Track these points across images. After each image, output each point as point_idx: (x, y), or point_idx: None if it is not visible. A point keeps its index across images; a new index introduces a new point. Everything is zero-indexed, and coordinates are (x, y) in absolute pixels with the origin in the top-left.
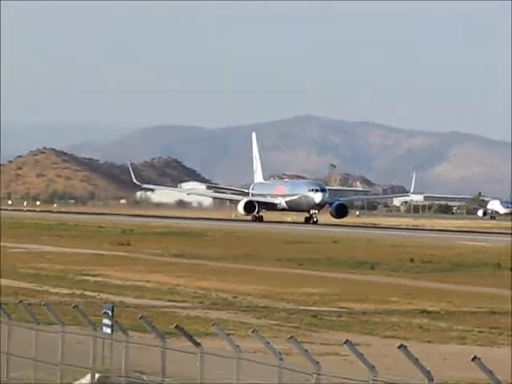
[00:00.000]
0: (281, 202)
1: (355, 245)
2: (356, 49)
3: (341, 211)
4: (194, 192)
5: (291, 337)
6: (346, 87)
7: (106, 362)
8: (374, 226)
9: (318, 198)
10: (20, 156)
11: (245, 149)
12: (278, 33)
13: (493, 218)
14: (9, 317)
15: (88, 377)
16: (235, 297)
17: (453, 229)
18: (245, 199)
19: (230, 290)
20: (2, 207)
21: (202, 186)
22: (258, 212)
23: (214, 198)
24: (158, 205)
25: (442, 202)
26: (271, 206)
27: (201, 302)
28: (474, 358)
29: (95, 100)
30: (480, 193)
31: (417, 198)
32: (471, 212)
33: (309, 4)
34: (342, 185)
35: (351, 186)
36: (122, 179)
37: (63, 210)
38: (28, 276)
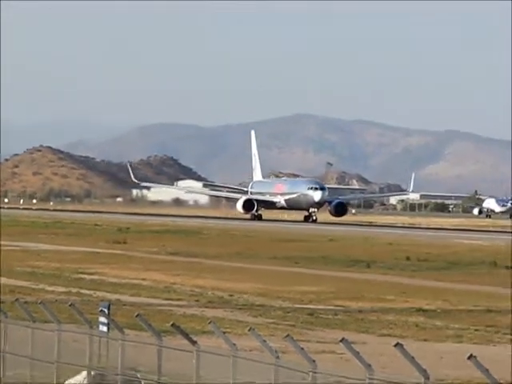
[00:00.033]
0: (280, 200)
1: (351, 243)
2: (354, 48)
3: (340, 209)
4: (191, 190)
5: (287, 335)
6: (343, 86)
7: (102, 360)
8: (371, 225)
9: (317, 196)
10: (16, 154)
11: (241, 147)
12: (278, 33)
13: (488, 216)
14: (5, 315)
15: (84, 373)
16: (231, 295)
17: (449, 227)
18: (244, 197)
19: (226, 288)
20: None
21: (198, 184)
22: (257, 210)
23: (212, 196)
24: (155, 203)
25: (439, 201)
26: (270, 205)
27: (197, 300)
28: (470, 357)
29: (94, 99)
30: (476, 191)
31: (413, 197)
32: (467, 210)
33: (309, 4)
34: (339, 183)
35: (348, 185)
36: (118, 177)
37: (59, 208)
38: (24, 274)
